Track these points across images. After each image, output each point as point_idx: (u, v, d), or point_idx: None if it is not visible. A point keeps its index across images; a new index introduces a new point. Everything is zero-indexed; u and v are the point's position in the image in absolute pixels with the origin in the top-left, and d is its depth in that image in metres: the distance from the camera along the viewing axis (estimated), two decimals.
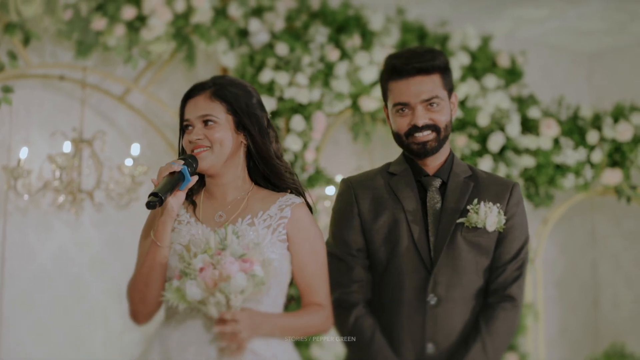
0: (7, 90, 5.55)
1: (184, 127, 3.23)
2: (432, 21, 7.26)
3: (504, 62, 7.13)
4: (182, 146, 3.27)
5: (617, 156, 7.05)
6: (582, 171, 7.03)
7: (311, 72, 6.28)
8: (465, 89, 6.86)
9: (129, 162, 5.91)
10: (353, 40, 6.44)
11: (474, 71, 7.00)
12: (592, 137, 7.02)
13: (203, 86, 3.23)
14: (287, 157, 6.16)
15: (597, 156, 7.01)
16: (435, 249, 3.37)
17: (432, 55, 3.45)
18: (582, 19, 7.78)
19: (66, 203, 5.82)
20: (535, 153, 6.98)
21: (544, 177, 6.98)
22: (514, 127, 6.89)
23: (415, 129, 3.40)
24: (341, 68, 6.34)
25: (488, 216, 3.38)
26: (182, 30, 6.06)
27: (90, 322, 6.18)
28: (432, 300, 3.35)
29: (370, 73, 6.37)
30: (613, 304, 8.27)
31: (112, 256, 6.25)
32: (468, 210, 3.40)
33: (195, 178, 3.11)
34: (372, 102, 6.46)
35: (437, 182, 3.47)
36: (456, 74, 6.81)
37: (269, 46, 6.29)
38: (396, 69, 3.42)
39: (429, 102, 3.40)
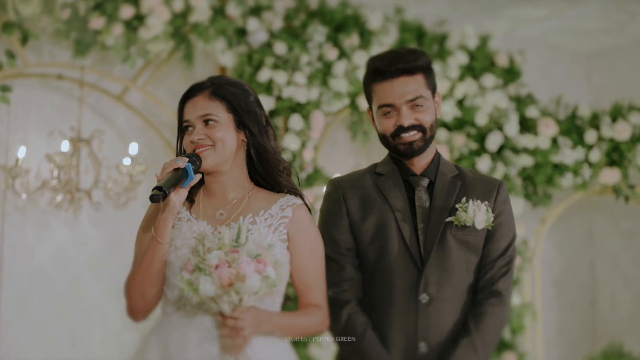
0: (5, 89, 5.56)
1: (183, 128, 3.23)
2: (430, 20, 7.26)
3: (502, 61, 7.14)
4: (180, 147, 3.27)
5: (615, 156, 7.05)
6: (580, 170, 7.03)
7: (309, 72, 6.28)
8: (464, 88, 6.86)
9: (127, 161, 5.91)
10: (351, 40, 6.44)
11: (472, 70, 7.00)
12: (590, 136, 7.02)
13: (201, 86, 3.24)
14: (286, 156, 6.16)
15: (595, 155, 7.01)
16: (426, 248, 3.38)
17: (415, 55, 3.46)
18: (581, 18, 7.78)
19: (64, 202, 5.82)
20: (533, 152, 6.98)
21: (542, 177, 6.99)
22: (512, 127, 6.89)
23: (401, 129, 3.41)
24: (339, 67, 6.34)
25: (477, 214, 3.40)
26: (180, 30, 6.06)
27: (89, 322, 6.18)
28: (424, 299, 3.36)
29: None
30: (611, 303, 8.27)
31: (110, 255, 6.25)
32: (456, 209, 3.42)
33: (199, 176, 3.11)
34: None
35: (425, 182, 3.49)
36: (454, 73, 6.81)
37: (267, 45, 6.29)
38: (380, 70, 3.43)
39: (413, 102, 3.41)
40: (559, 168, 7.03)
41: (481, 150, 6.90)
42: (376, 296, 3.42)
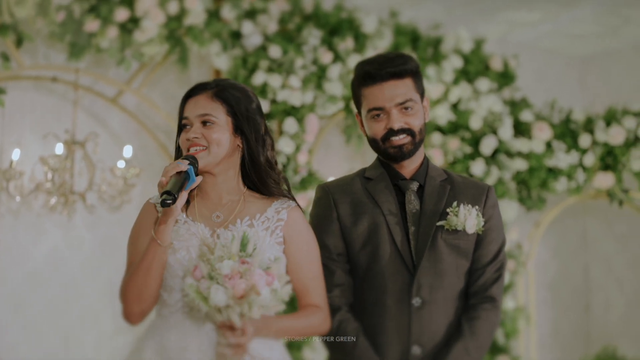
0: (0, 91, 5.55)
1: (182, 125, 3.23)
2: (425, 24, 7.27)
3: (496, 65, 7.14)
4: (177, 144, 3.26)
5: (610, 160, 7.06)
6: (574, 174, 7.04)
7: (304, 75, 6.28)
8: (458, 92, 6.87)
9: (121, 164, 5.91)
10: (346, 43, 6.44)
11: (466, 74, 7.00)
12: (584, 140, 7.03)
13: (205, 86, 3.24)
14: (280, 160, 6.16)
15: (590, 159, 7.02)
16: (417, 251, 3.39)
17: (404, 59, 3.48)
18: (575, 22, 7.80)
19: (58, 205, 5.81)
20: (527, 156, 6.99)
21: (536, 181, 6.99)
22: (506, 131, 6.90)
23: (391, 132, 3.43)
24: (334, 71, 6.34)
25: (467, 219, 3.41)
26: (175, 32, 6.05)
27: (83, 324, 6.17)
28: (416, 302, 3.36)
29: None
30: (605, 307, 8.28)
31: (104, 258, 6.24)
32: (447, 213, 3.43)
33: (200, 178, 3.12)
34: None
35: (415, 186, 3.49)
36: (449, 77, 6.82)
37: (262, 48, 6.29)
38: (369, 74, 3.45)
39: (403, 106, 3.43)
40: (553, 172, 7.04)
41: (475, 154, 6.91)
42: (368, 300, 3.42)
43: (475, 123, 6.86)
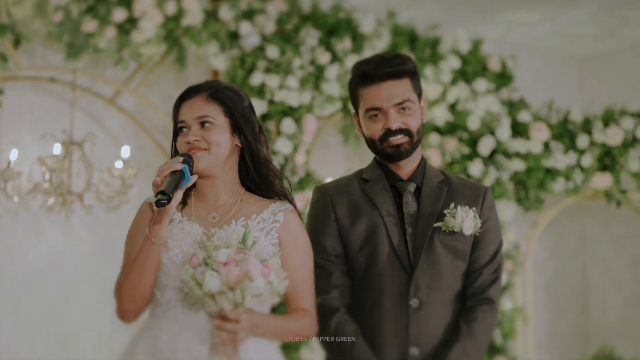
0: None
1: (178, 129, 3.22)
2: (423, 24, 7.27)
3: (494, 65, 7.14)
4: (175, 148, 3.26)
5: (607, 160, 7.07)
6: (572, 175, 7.04)
7: (302, 75, 6.28)
8: (456, 92, 6.87)
9: (119, 164, 5.91)
10: (344, 44, 6.44)
11: (464, 75, 7.00)
12: (582, 141, 7.04)
13: (198, 88, 3.24)
14: (278, 160, 6.17)
15: (587, 160, 7.02)
16: (414, 253, 3.39)
17: (401, 60, 3.48)
18: (573, 23, 7.80)
19: (56, 205, 5.82)
20: (525, 157, 6.99)
21: (534, 181, 7.00)
22: (504, 131, 6.90)
23: (389, 132, 3.43)
24: (332, 71, 6.34)
25: (465, 220, 3.41)
26: (173, 33, 6.06)
27: (81, 324, 6.17)
28: (414, 303, 3.36)
29: None
30: (602, 308, 8.29)
31: (102, 258, 6.24)
32: (444, 215, 3.43)
33: (195, 177, 3.11)
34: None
35: (412, 187, 3.49)
36: (447, 77, 6.82)
37: (260, 49, 6.29)
38: (367, 74, 3.45)
39: (401, 106, 3.43)
40: (551, 172, 7.05)
41: (473, 154, 6.91)
42: (366, 302, 3.42)
43: (473, 123, 6.86)
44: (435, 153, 6.81)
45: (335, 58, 6.43)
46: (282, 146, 6.20)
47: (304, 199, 6.13)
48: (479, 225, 3.45)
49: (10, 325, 5.92)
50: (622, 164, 7.01)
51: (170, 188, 2.98)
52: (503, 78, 7.21)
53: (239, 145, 3.23)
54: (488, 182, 6.81)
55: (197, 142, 3.15)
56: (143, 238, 3.09)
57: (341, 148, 7.02)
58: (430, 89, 6.69)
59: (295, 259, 3.18)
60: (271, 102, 6.26)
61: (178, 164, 3.03)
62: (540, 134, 6.97)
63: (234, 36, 6.31)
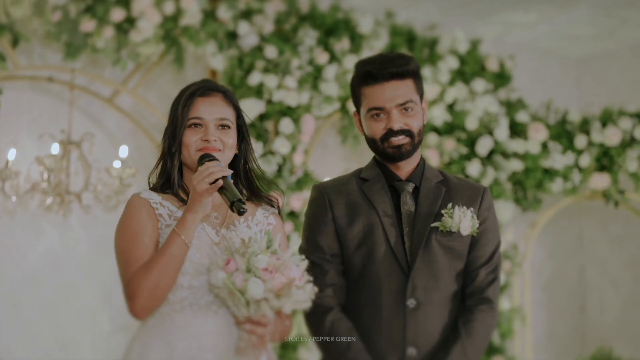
0: None
1: (188, 124, 3.19)
2: (421, 25, 7.27)
3: (492, 66, 7.15)
4: (172, 139, 3.21)
5: (605, 161, 7.07)
6: (570, 175, 7.05)
7: (300, 75, 6.29)
8: (454, 92, 6.87)
9: (117, 164, 5.91)
10: (342, 44, 6.45)
11: (462, 75, 7.01)
12: (580, 141, 7.04)
13: (215, 87, 3.25)
14: (276, 160, 6.17)
15: (585, 160, 7.03)
16: (411, 253, 3.38)
17: (405, 60, 3.46)
18: (572, 23, 7.80)
19: (54, 205, 5.81)
20: (523, 157, 6.99)
21: (532, 181, 7.00)
22: (502, 131, 6.91)
23: (390, 133, 3.42)
24: (330, 71, 6.35)
25: (462, 220, 3.40)
26: (171, 33, 6.06)
27: (79, 324, 6.17)
28: (411, 304, 3.35)
29: None
30: (600, 308, 8.29)
31: (100, 258, 6.23)
32: (442, 215, 3.42)
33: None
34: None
35: (410, 187, 3.48)
36: (445, 77, 6.83)
37: (258, 49, 6.29)
38: (371, 74, 3.43)
39: (403, 107, 3.42)
40: (549, 173, 7.05)
41: (471, 154, 6.91)
42: (363, 301, 3.41)
43: (471, 124, 6.87)
44: (434, 153, 6.81)
45: (333, 58, 6.44)
46: (280, 146, 6.20)
47: (302, 199, 6.13)
48: (477, 225, 3.43)
49: (8, 325, 5.92)
50: (620, 165, 7.02)
51: (238, 194, 3.01)
52: (501, 78, 7.21)
53: (236, 149, 3.26)
54: (486, 182, 6.81)
55: (215, 143, 3.15)
56: (151, 234, 3.08)
57: (339, 148, 7.03)
58: (429, 89, 6.69)
59: None
60: (269, 102, 6.26)
61: (227, 170, 3.02)
62: (538, 134, 6.97)
63: (232, 36, 6.31)
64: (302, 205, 6.12)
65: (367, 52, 6.46)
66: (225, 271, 2.93)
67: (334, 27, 6.53)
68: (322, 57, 6.35)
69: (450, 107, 6.93)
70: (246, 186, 3.29)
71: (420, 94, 3.50)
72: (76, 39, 5.80)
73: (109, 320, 6.18)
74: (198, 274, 3.05)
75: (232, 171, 3.05)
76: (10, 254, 5.97)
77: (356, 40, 6.55)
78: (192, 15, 6.01)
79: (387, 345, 3.36)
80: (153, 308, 3.05)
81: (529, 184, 7.02)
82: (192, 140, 3.17)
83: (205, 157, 3.10)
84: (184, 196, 3.21)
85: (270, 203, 3.31)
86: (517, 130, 7.06)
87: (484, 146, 6.85)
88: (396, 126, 3.41)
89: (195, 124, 3.18)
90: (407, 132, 3.43)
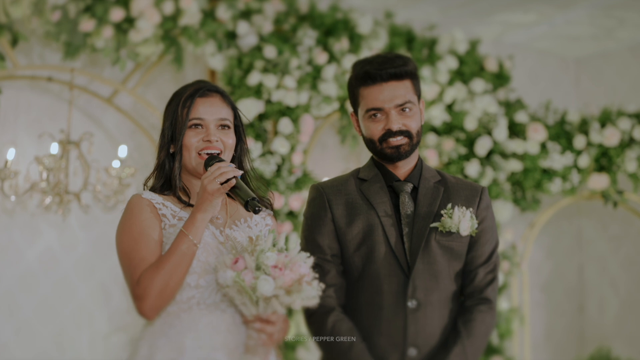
0: None
1: (189, 125, 3.19)
2: (420, 25, 7.28)
3: (491, 66, 7.15)
4: (172, 139, 3.22)
5: (604, 161, 7.07)
6: (569, 176, 7.05)
7: (299, 75, 6.29)
8: (453, 92, 6.87)
9: (116, 163, 5.91)
10: (341, 44, 6.45)
11: (461, 75, 7.01)
12: (579, 141, 7.04)
13: (213, 88, 3.26)
14: (275, 160, 6.17)
15: (584, 161, 7.03)
16: (411, 253, 3.38)
17: (403, 60, 3.47)
18: (570, 24, 7.80)
19: (53, 204, 5.81)
20: (522, 157, 6.99)
21: (530, 182, 7.00)
22: (501, 131, 6.91)
23: (389, 133, 3.42)
24: (329, 71, 6.35)
25: (462, 221, 3.40)
26: (171, 33, 6.06)
27: (76, 324, 6.17)
28: (412, 304, 3.35)
29: None
30: (599, 308, 8.29)
31: (98, 258, 6.24)
32: (441, 215, 3.43)
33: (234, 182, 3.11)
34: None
35: (409, 187, 3.48)
36: (444, 77, 6.83)
37: (257, 49, 6.29)
38: (369, 74, 3.43)
39: (402, 107, 3.42)
40: (548, 173, 7.05)
41: (470, 155, 6.91)
42: (363, 302, 3.41)
43: (470, 124, 6.87)
44: (432, 153, 6.81)
45: (332, 58, 6.44)
46: (279, 146, 6.20)
47: (301, 199, 6.13)
48: (476, 225, 3.44)
49: (6, 325, 5.92)
50: (619, 165, 7.02)
51: (252, 193, 3.03)
52: (500, 79, 7.21)
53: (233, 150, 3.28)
54: (485, 182, 6.81)
55: (217, 143, 3.17)
56: (157, 234, 3.09)
57: (338, 148, 7.03)
58: (428, 90, 6.70)
59: None
60: (268, 102, 6.26)
61: (238, 171, 3.04)
62: (537, 134, 6.97)
63: (232, 36, 6.31)
64: (301, 205, 6.12)
65: (366, 52, 6.46)
66: (233, 270, 2.94)
67: (333, 27, 6.53)
68: (321, 57, 6.35)
69: (449, 107, 6.94)
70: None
71: (418, 94, 3.51)
72: (75, 39, 5.80)
73: (107, 319, 6.18)
74: (205, 273, 3.06)
75: (242, 171, 3.07)
76: (9, 254, 5.97)
77: (355, 41, 6.55)
78: (192, 15, 6.01)
79: (387, 345, 3.36)
80: (162, 308, 3.05)
81: (528, 184, 7.02)
82: (192, 141, 3.18)
83: (214, 159, 3.12)
84: (185, 198, 3.21)
85: (265, 204, 3.33)
86: (516, 131, 7.07)
87: (483, 146, 6.85)
88: (395, 127, 3.41)
89: (196, 125, 3.19)
90: (406, 133, 3.43)
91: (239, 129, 3.27)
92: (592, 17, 7.61)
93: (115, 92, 6.28)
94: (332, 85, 6.35)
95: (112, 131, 6.36)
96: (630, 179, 7.09)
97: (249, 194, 3.00)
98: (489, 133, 6.94)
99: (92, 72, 6.20)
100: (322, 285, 3.02)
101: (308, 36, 6.36)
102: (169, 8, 5.92)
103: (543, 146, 7.03)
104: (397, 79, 3.44)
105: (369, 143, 3.50)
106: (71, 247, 6.20)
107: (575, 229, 8.48)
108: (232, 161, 3.27)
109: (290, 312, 3.31)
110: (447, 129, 6.92)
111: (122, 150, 5.93)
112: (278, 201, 6.04)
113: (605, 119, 7.09)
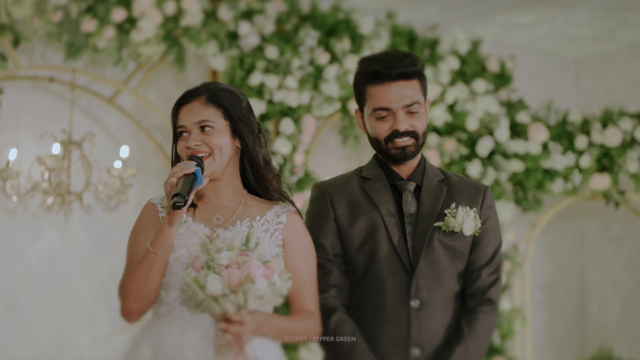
0: None
1: (177, 134, 3.22)
2: (422, 25, 7.27)
3: (493, 66, 7.15)
4: (175, 153, 3.26)
5: (606, 161, 7.07)
6: (570, 176, 7.04)
7: (301, 76, 6.29)
8: (455, 93, 6.87)
9: (118, 164, 5.91)
10: (343, 44, 6.44)
11: (463, 75, 7.00)
12: (580, 142, 7.04)
13: (196, 92, 3.23)
14: (276, 160, 6.17)
15: (586, 161, 7.02)
16: (414, 252, 3.37)
17: (412, 59, 3.43)
18: (571, 25, 7.80)
19: (55, 205, 5.81)
20: (524, 158, 6.99)
21: (532, 182, 7.00)
22: (502, 132, 6.90)
23: (396, 134, 3.39)
24: (331, 71, 6.34)
25: (465, 220, 3.39)
26: (172, 33, 6.06)
27: (77, 324, 6.17)
28: (415, 304, 3.34)
29: None
30: (601, 308, 8.29)
31: (100, 258, 6.24)
32: (444, 214, 3.41)
33: (207, 180, 3.12)
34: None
35: (412, 186, 3.46)
36: (445, 78, 6.82)
37: (259, 49, 6.29)
38: (378, 73, 3.39)
39: (409, 108, 3.39)
40: (550, 173, 7.05)
41: (472, 155, 6.91)
42: (366, 301, 3.40)
43: (472, 124, 6.87)
44: (434, 153, 6.81)
45: (334, 58, 6.43)
46: (281, 146, 6.20)
47: (302, 199, 6.13)
48: (479, 225, 3.42)
49: (6, 325, 5.92)
50: (621, 165, 7.01)
51: (186, 190, 3.00)
52: (502, 79, 7.21)
53: (239, 147, 3.23)
54: (486, 182, 6.81)
55: (198, 147, 3.16)
56: (147, 239, 3.11)
57: (340, 148, 7.02)
58: (429, 90, 6.66)
59: (298, 260, 3.19)
60: (270, 102, 6.26)
61: (191, 167, 3.03)
62: (538, 134, 6.97)
63: (233, 36, 6.31)
64: (303, 205, 6.11)
65: (367, 53, 6.45)
66: (193, 268, 2.94)
67: (334, 28, 6.53)
68: (322, 58, 6.35)
69: (451, 108, 6.93)
70: (255, 183, 3.28)
71: (425, 94, 3.48)
72: (77, 39, 5.80)
73: (108, 320, 6.17)
74: None
75: (194, 168, 3.04)
76: (10, 254, 5.97)
77: (357, 41, 6.55)
78: (193, 16, 6.01)
79: (390, 345, 3.35)
80: (141, 311, 3.13)
81: (530, 185, 7.01)
82: (183, 149, 3.19)
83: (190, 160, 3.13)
84: (194, 200, 3.24)
85: (286, 199, 3.30)
86: (517, 131, 7.06)
87: (484, 147, 6.85)
88: (402, 127, 3.38)
89: (182, 132, 3.21)
90: (412, 134, 3.40)
91: (235, 126, 3.22)
92: (593, 18, 7.60)
93: (117, 93, 6.28)
94: (333, 85, 6.35)
95: (114, 131, 6.36)
96: (632, 179, 7.09)
97: (178, 190, 2.99)
98: (491, 133, 6.93)
99: (93, 72, 6.20)
100: (289, 284, 2.98)
101: (310, 36, 6.36)
102: (170, 8, 5.92)
103: (545, 146, 7.03)
104: (406, 78, 3.40)
105: (374, 142, 3.47)
106: (72, 247, 6.20)
107: (577, 230, 8.47)
108: (241, 159, 3.26)
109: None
110: (448, 129, 6.92)
111: (124, 151, 5.93)
112: None
113: (607, 119, 7.09)
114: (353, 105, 6.49)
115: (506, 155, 6.99)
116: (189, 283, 2.94)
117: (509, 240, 7.04)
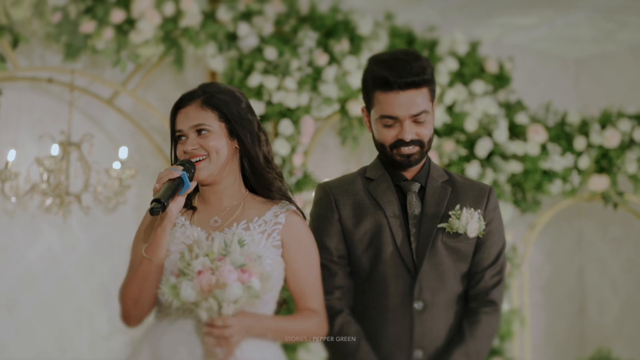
0: None
1: (176, 138, 3.23)
2: (420, 26, 7.27)
3: (492, 67, 7.15)
4: (175, 156, 3.27)
5: (604, 162, 7.07)
6: (569, 177, 7.04)
7: (300, 77, 6.29)
8: (453, 94, 6.87)
9: (116, 165, 5.90)
10: (342, 45, 6.45)
11: (462, 77, 7.01)
12: (579, 143, 7.04)
13: (192, 95, 3.24)
14: (275, 161, 6.15)
15: (585, 162, 7.03)
16: (418, 254, 3.35)
17: (422, 67, 3.35)
18: (570, 26, 7.80)
19: (54, 206, 5.81)
20: (522, 159, 6.99)
21: (531, 183, 7.00)
22: (501, 133, 6.91)
23: (401, 142, 3.36)
24: (330, 72, 6.34)
25: (469, 222, 3.37)
26: (171, 34, 6.06)
27: (77, 325, 6.17)
28: (418, 306, 3.33)
29: (358, 78, 6.36)
30: (599, 309, 8.29)
31: (99, 259, 6.24)
32: (449, 216, 3.39)
33: (195, 183, 3.13)
34: (360, 106, 6.46)
35: (416, 187, 3.45)
36: (444, 79, 6.82)
37: (258, 50, 6.29)
38: (387, 81, 3.33)
39: (417, 117, 3.36)
40: (548, 174, 7.05)
41: (470, 156, 6.91)
42: (370, 303, 3.39)
43: (471, 125, 6.87)
44: (433, 155, 6.81)
45: (333, 59, 6.43)
46: (279, 147, 6.20)
47: (301, 200, 6.13)
48: (483, 227, 3.41)
49: (6, 325, 5.92)
50: (619, 166, 7.02)
51: (166, 195, 2.99)
52: (500, 80, 7.21)
53: (238, 147, 3.24)
54: (485, 183, 6.81)
55: (195, 151, 3.17)
56: (146, 244, 3.12)
57: (339, 149, 7.02)
58: None
59: (299, 259, 3.18)
60: (269, 103, 6.26)
61: (176, 171, 3.04)
62: (537, 136, 6.97)
63: (232, 37, 6.31)
64: (302, 207, 6.11)
65: (366, 54, 6.45)
66: (173, 275, 2.97)
67: (333, 29, 6.53)
68: (321, 59, 6.35)
69: (450, 109, 6.93)
70: (256, 183, 3.27)
71: (433, 98, 3.44)
72: (76, 40, 5.80)
73: (107, 320, 6.17)
74: None
75: (179, 173, 3.04)
76: (9, 255, 5.97)
77: (356, 42, 6.55)
78: (192, 17, 6.01)
79: (393, 347, 3.34)
80: (140, 315, 3.15)
81: (528, 186, 7.01)
82: (180, 153, 3.21)
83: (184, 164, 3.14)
84: (192, 203, 3.25)
85: (287, 198, 3.28)
86: (516, 132, 7.06)
87: (483, 148, 6.85)
88: (408, 137, 3.35)
89: (180, 137, 3.22)
90: (418, 142, 3.38)
91: (233, 127, 3.21)
92: (592, 20, 7.61)
93: (115, 94, 6.28)
94: (332, 86, 6.35)
95: (113, 133, 6.36)
96: (631, 180, 7.09)
97: (158, 195, 2.99)
98: (489, 134, 6.94)
99: (92, 73, 6.19)
100: (269, 285, 2.97)
101: (308, 37, 6.36)
102: (169, 9, 5.92)
103: (543, 147, 7.03)
104: (415, 87, 3.34)
105: (379, 146, 3.45)
106: (72, 248, 6.20)
107: (576, 231, 8.48)
108: (241, 161, 3.26)
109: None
110: (447, 131, 6.92)
111: (123, 152, 5.93)
112: None
113: (606, 121, 7.10)
114: (352, 106, 6.50)
115: (505, 157, 6.99)
116: (162, 291, 2.95)
117: (507, 242, 6.99)
